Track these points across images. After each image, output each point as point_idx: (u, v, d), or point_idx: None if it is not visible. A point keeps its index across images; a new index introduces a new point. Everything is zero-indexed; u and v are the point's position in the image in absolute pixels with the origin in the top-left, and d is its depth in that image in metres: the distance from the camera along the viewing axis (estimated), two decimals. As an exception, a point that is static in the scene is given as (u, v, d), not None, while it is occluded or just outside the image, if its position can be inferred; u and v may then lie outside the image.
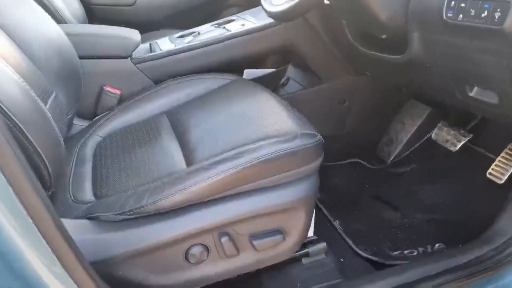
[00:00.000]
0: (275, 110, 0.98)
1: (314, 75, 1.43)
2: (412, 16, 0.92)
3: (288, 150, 0.80)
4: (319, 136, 0.87)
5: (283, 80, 1.58)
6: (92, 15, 1.95)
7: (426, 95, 1.34)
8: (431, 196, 1.27)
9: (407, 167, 1.43)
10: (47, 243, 0.52)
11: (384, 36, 1.04)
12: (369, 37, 1.12)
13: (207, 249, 0.79)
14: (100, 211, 0.76)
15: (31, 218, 0.50)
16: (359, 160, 1.51)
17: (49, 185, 0.69)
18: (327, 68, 1.38)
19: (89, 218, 0.77)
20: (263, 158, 0.78)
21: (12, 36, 0.91)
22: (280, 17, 0.96)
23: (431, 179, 1.32)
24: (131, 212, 0.75)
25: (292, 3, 0.87)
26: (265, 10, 1.00)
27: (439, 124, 1.39)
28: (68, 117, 1.08)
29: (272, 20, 1.27)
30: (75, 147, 1.06)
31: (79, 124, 1.18)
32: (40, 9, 1.04)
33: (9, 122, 0.60)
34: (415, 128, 1.47)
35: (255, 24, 1.29)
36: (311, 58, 1.35)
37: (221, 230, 0.79)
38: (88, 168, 0.97)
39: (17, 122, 0.62)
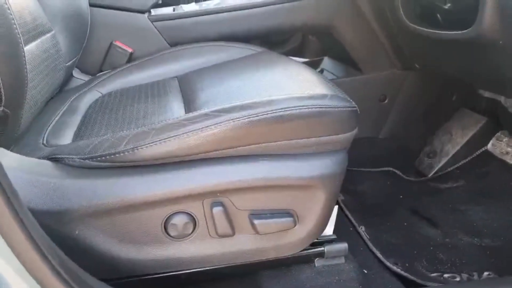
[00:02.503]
0: (305, 75, 0.80)
1: (352, 67, 1.26)
2: (488, -27, 0.73)
3: (313, 108, 0.61)
4: (354, 104, 0.68)
5: (317, 71, 1.41)
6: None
7: (487, 88, 1.12)
8: (482, 218, 1.03)
9: (452, 183, 1.20)
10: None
11: (448, 6, 0.86)
12: (427, 10, 0.93)
13: (193, 220, 0.61)
14: (65, 153, 0.60)
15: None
16: (394, 170, 1.29)
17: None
18: (369, 57, 1.20)
19: (51, 160, 0.60)
20: (279, 112, 0.60)
21: None
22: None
23: (483, 198, 1.08)
24: (102, 158, 0.58)
25: None
26: None
27: (498, 134, 1.17)
28: (67, 64, 0.95)
29: (312, -8, 1.12)
30: (69, 98, 0.92)
31: (81, 78, 1.05)
32: None
33: None
34: (465, 140, 1.25)
35: (292, -7, 1.13)
36: (351, 43, 1.17)
37: (214, 198, 0.60)
38: (76, 119, 0.82)
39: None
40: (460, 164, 1.24)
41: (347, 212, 1.00)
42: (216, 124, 0.58)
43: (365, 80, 1.23)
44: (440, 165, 1.27)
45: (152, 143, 0.58)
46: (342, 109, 0.64)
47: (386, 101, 1.25)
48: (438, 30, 0.90)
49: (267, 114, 0.59)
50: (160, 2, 1.17)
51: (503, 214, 1.02)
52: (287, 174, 0.61)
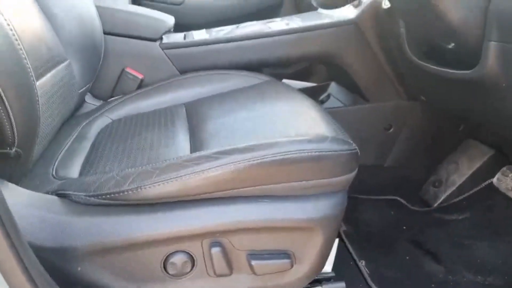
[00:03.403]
0: (308, 112, 0.82)
1: (359, 95, 1.27)
2: (491, 19, 0.74)
3: (312, 152, 0.63)
4: (354, 146, 0.69)
5: (323, 96, 1.43)
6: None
7: (492, 129, 1.13)
8: (486, 254, 1.03)
9: (457, 215, 1.20)
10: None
11: (451, 45, 0.87)
12: (431, 49, 0.95)
13: (192, 259, 0.62)
14: (72, 190, 0.62)
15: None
16: (398, 199, 1.29)
17: (11, 141, 0.56)
18: (375, 87, 1.21)
19: (58, 195, 0.63)
20: (279, 156, 0.61)
21: None
22: (326, 2, 0.81)
23: (488, 233, 1.08)
24: (107, 197, 0.60)
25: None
26: None
27: (504, 169, 1.16)
28: (80, 91, 0.99)
29: (319, 23, 1.14)
30: (79, 125, 0.95)
31: (92, 103, 1.08)
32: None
33: None
34: (471, 171, 1.24)
35: (300, 24, 1.16)
36: (357, 73, 1.19)
37: (214, 238, 0.62)
38: (85, 146, 0.85)
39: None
40: (465, 195, 1.23)
41: (349, 245, 1.00)
42: (217, 166, 0.60)
43: (371, 109, 1.24)
44: (446, 195, 1.26)
45: (155, 183, 0.60)
46: (341, 152, 0.66)
47: (391, 130, 1.26)
48: (442, 68, 0.91)
49: (267, 158, 0.61)
50: (172, 30, 1.20)
51: (507, 252, 1.02)
52: (284, 216, 0.63)
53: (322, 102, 1.42)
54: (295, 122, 0.76)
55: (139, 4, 1.90)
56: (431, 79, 0.99)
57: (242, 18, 1.99)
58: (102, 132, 0.93)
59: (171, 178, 0.60)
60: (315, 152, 0.63)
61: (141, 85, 1.12)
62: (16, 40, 0.61)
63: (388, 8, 1.03)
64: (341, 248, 1.01)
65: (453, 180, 1.26)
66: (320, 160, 0.64)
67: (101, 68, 1.08)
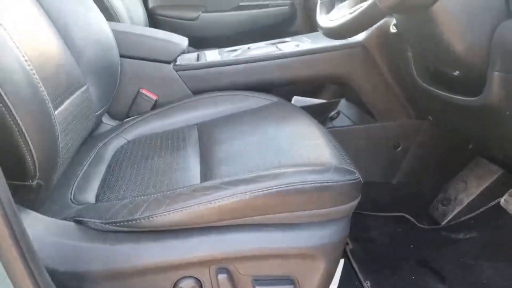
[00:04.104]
0: (313, 137, 0.85)
1: (368, 114, 1.29)
2: (495, 50, 0.76)
3: (316, 184, 0.66)
4: (357, 175, 0.72)
5: (333, 113, 1.45)
6: (155, 25, 1.98)
7: (498, 152, 1.13)
8: (492, 275, 1.03)
9: (465, 234, 1.21)
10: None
11: (456, 73, 0.88)
12: (437, 74, 0.96)
13: (200, 285, 0.66)
14: (88, 217, 0.67)
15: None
16: (406, 216, 1.31)
17: (33, 174, 0.60)
18: (383, 106, 1.23)
19: (75, 222, 0.67)
20: (284, 188, 0.65)
21: (53, 19, 0.89)
22: (336, 34, 0.84)
23: (495, 254, 1.08)
24: (121, 224, 0.64)
25: (352, 16, 0.76)
26: (320, 28, 0.89)
27: (511, 190, 1.16)
28: (97, 113, 1.03)
29: (328, 45, 1.17)
30: (96, 146, 1.00)
31: (109, 123, 1.13)
32: (89, 1, 1.02)
33: None
34: (479, 190, 1.25)
35: (309, 46, 1.19)
36: (366, 93, 1.21)
37: (220, 264, 0.65)
38: (102, 168, 0.90)
39: (5, 96, 0.55)
40: (473, 214, 1.24)
41: (354, 264, 1.02)
42: (224, 197, 0.64)
43: (379, 128, 1.26)
44: (454, 213, 1.27)
45: (165, 212, 0.64)
46: (345, 182, 0.68)
47: (400, 148, 1.27)
48: (448, 93, 0.92)
49: (272, 189, 0.64)
50: (186, 51, 1.24)
51: (513, 274, 1.02)
52: (288, 244, 0.66)
53: (332, 119, 1.44)
54: (300, 149, 0.79)
55: (156, 20, 1.97)
56: (438, 102, 1.00)
57: (255, 32, 2.04)
58: (117, 153, 0.98)
59: (180, 208, 0.64)
60: (319, 183, 0.66)
61: (155, 105, 1.17)
62: (34, 74, 0.65)
63: (396, 32, 1.05)
64: (347, 267, 1.03)
65: (462, 198, 1.27)
66: (324, 191, 0.66)
67: (117, 89, 1.13)
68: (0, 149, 0.48)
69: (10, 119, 0.56)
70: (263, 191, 0.64)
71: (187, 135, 1.01)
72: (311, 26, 1.95)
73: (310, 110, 1.34)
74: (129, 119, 1.12)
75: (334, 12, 0.87)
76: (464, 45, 0.79)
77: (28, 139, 0.58)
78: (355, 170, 0.72)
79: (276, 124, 0.96)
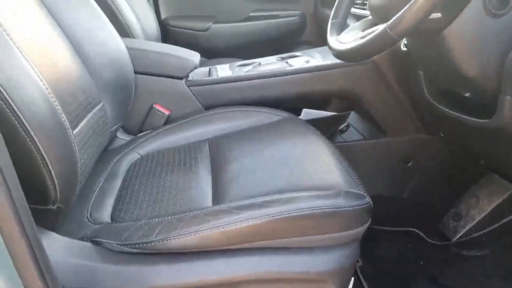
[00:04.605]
0: (323, 158, 0.86)
1: (378, 127, 1.29)
2: (507, 75, 0.76)
3: (326, 209, 0.67)
4: (367, 199, 0.73)
5: (342, 126, 1.46)
6: (167, 36, 2.01)
7: (511, 170, 1.13)
8: (503, 295, 1.03)
9: (476, 251, 1.20)
10: (17, 270, 0.44)
11: (468, 95, 0.88)
12: (449, 93, 0.96)
13: (211, 306, 0.67)
14: (105, 237, 0.68)
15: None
16: (416, 231, 1.31)
17: (54, 199, 0.63)
18: (394, 122, 1.23)
19: (92, 242, 0.69)
20: (294, 213, 0.66)
21: (70, 37, 0.91)
22: (346, 57, 0.85)
23: (507, 273, 1.08)
24: (136, 246, 0.66)
25: (362, 41, 0.77)
26: (330, 48, 0.90)
27: (524, 208, 1.16)
28: (112, 129, 1.06)
29: (339, 61, 1.17)
30: (111, 161, 1.02)
31: (123, 138, 1.15)
32: (102, 16, 1.04)
33: (16, 123, 0.56)
34: (491, 207, 1.24)
35: (319, 62, 1.20)
36: (376, 108, 1.21)
37: (232, 287, 0.66)
38: (116, 185, 0.92)
39: (26, 124, 0.57)
40: (485, 231, 1.23)
41: (364, 283, 1.03)
42: (236, 222, 0.65)
43: (389, 143, 1.26)
44: (465, 230, 1.26)
45: (179, 235, 0.65)
46: (355, 207, 0.69)
47: (410, 164, 1.27)
48: (460, 114, 0.92)
49: (282, 214, 0.66)
50: (198, 66, 1.26)
51: (525, 294, 1.02)
52: (297, 269, 0.67)
53: (341, 132, 1.45)
54: (310, 170, 0.80)
55: (167, 31, 2.00)
56: (449, 120, 1.00)
57: (265, 42, 2.06)
58: (131, 168, 1.00)
59: (193, 232, 0.65)
60: (329, 208, 0.67)
61: (168, 120, 1.19)
62: (52, 96, 0.67)
63: (406, 51, 1.05)
64: (356, 283, 1.03)
65: (473, 215, 1.26)
66: (334, 216, 0.67)
67: (131, 105, 1.15)
68: (21, 175, 0.50)
69: (31, 144, 0.58)
70: (273, 216, 0.65)
71: (199, 150, 1.03)
72: (321, 36, 1.96)
73: (320, 123, 1.35)
74: (142, 134, 1.14)
75: (345, 34, 0.88)
76: (476, 69, 0.79)
77: (49, 164, 0.60)
78: (365, 194, 0.73)
79: (286, 142, 0.97)
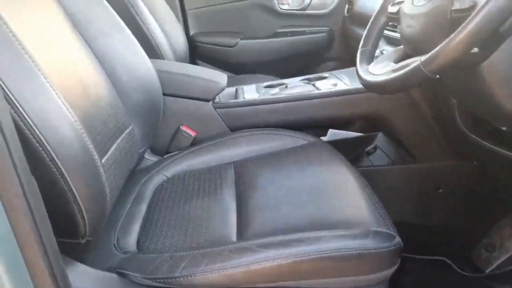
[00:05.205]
0: (350, 190, 0.84)
1: (407, 152, 1.26)
2: (548, 111, 0.72)
3: (353, 251, 0.65)
4: (397, 239, 0.70)
5: (369, 147, 1.43)
6: (195, 52, 2.03)
7: None
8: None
9: (510, 285, 1.14)
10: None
11: (504, 128, 0.85)
12: (484, 124, 0.93)
13: None
14: (131, 269, 0.69)
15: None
16: (447, 260, 1.26)
17: (83, 233, 0.64)
18: (424, 148, 1.19)
19: (118, 274, 0.70)
20: (319, 254, 0.64)
21: (102, 63, 0.94)
22: (376, 89, 0.83)
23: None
24: (162, 280, 0.66)
25: (393, 75, 0.74)
26: (360, 78, 0.88)
27: None
28: (140, 151, 1.07)
29: (367, 85, 1.15)
30: (138, 183, 1.03)
31: (150, 159, 1.17)
32: (134, 40, 1.06)
33: (50, 163, 0.57)
34: (528, 238, 1.18)
35: (347, 86, 1.18)
36: (406, 133, 1.18)
37: (255, 327, 0.66)
38: (142, 209, 0.93)
39: (59, 163, 0.59)
40: (521, 264, 1.17)
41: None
42: (260, 261, 0.64)
43: (419, 169, 1.22)
44: (499, 262, 1.20)
45: (204, 272, 0.65)
46: (384, 249, 0.67)
47: (441, 191, 1.23)
48: (495, 146, 0.89)
49: (308, 255, 0.64)
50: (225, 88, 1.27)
51: None
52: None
53: (368, 154, 1.42)
54: (337, 205, 0.79)
55: (195, 47, 2.03)
56: (484, 151, 0.96)
57: (292, 58, 2.05)
58: (157, 192, 1.01)
59: (218, 269, 0.65)
60: (356, 250, 0.65)
61: (194, 141, 1.20)
62: (83, 132, 0.68)
63: (439, 78, 1.02)
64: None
65: (508, 246, 1.20)
66: (361, 258, 0.66)
67: (159, 127, 1.17)
68: (51, 209, 0.51)
69: (63, 183, 0.60)
70: (298, 257, 0.64)
71: (224, 174, 1.03)
72: (349, 53, 1.94)
73: (346, 144, 1.33)
74: (169, 155, 1.15)
75: (375, 64, 0.86)
76: (512, 104, 0.75)
77: (79, 201, 0.61)
78: (395, 234, 0.71)
79: (312, 169, 0.95)
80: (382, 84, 0.78)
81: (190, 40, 2.00)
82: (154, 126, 1.13)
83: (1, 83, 0.54)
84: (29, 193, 0.41)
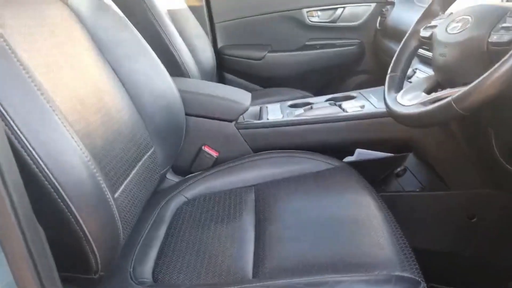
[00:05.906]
0: (374, 225, 0.80)
1: (439, 178, 1.19)
2: None
3: (375, 299, 0.61)
4: (422, 285, 0.66)
5: (399, 169, 1.36)
6: (223, 65, 2.03)
7: None
8: None
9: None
10: None
11: (546, 165, 0.78)
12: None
13: None
14: (145, 304, 0.68)
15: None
16: (482, 293, 1.18)
17: (96, 269, 0.64)
18: (457, 175, 1.12)
19: (132, 307, 0.69)
20: (339, 302, 0.61)
21: (127, 87, 0.94)
22: (403, 121, 0.79)
23: None
24: (174, 317, 0.65)
25: (422, 109, 0.70)
26: (387, 107, 0.84)
27: None
28: (161, 172, 1.07)
29: (397, 108, 1.10)
30: (159, 204, 1.03)
31: (171, 179, 1.17)
32: (158, 62, 1.06)
33: (62, 206, 0.57)
34: None
35: (375, 109, 1.13)
36: (438, 160, 1.12)
37: None
38: (161, 234, 0.93)
39: (70, 204, 0.58)
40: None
41: None
42: (276, 305, 0.62)
43: (452, 196, 1.15)
44: (538, 298, 1.12)
45: (216, 312, 0.63)
46: (407, 296, 0.63)
47: (475, 219, 1.16)
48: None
49: (327, 302, 0.61)
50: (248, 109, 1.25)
51: None
52: None
53: (397, 176, 1.36)
54: (360, 243, 0.75)
55: (223, 60, 2.02)
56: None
57: (321, 71, 2.01)
58: (177, 215, 1.00)
59: (230, 311, 0.63)
60: (378, 298, 0.61)
61: (216, 161, 1.19)
62: (94, 168, 0.66)
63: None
64: None
65: (548, 283, 1.12)
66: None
67: (181, 147, 1.17)
68: (63, 246, 0.51)
69: (73, 221, 0.59)
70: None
71: (244, 198, 1.01)
72: (380, 66, 1.87)
73: (374, 165, 1.28)
74: (190, 176, 1.15)
75: (404, 94, 0.82)
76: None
77: (91, 240, 0.61)
78: (420, 280, 0.66)
79: (335, 199, 0.92)
80: (411, 118, 0.73)
81: (218, 52, 2.00)
82: (176, 147, 1.13)
83: (12, 124, 0.54)
84: (32, 242, 0.40)
